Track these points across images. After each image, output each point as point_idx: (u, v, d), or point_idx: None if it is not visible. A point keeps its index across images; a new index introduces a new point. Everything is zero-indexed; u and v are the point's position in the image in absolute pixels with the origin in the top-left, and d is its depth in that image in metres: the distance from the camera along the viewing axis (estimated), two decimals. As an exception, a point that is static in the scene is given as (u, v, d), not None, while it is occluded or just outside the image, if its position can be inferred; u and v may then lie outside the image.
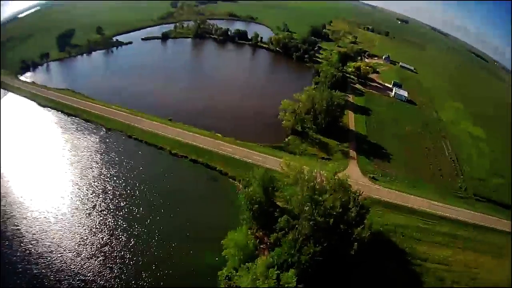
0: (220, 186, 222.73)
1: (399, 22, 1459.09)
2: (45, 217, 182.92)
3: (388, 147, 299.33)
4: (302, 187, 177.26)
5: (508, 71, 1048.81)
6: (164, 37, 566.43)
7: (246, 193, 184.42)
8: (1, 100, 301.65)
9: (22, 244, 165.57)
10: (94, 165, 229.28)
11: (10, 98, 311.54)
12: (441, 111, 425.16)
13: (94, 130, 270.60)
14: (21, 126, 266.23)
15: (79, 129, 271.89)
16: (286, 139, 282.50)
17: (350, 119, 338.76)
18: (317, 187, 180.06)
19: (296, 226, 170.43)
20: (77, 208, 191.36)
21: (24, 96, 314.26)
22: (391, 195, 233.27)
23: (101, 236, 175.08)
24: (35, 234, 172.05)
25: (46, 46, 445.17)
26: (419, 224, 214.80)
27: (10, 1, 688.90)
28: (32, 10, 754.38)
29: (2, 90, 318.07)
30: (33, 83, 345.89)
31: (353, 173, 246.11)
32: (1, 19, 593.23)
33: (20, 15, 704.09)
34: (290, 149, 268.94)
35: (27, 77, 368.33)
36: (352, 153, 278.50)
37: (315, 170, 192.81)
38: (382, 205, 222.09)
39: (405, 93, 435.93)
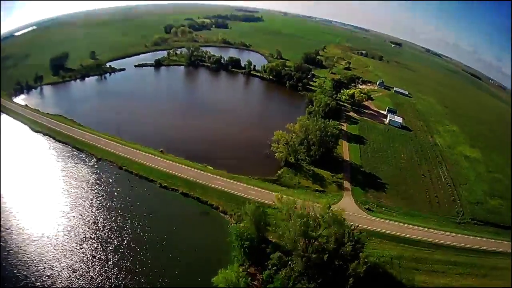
0: (211, 221, 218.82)
1: (393, 45, 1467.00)
2: (37, 247, 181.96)
3: (383, 176, 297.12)
4: (295, 223, 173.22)
5: (504, 89, 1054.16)
6: (157, 64, 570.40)
7: (237, 229, 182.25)
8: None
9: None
10: (84, 196, 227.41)
11: (4, 120, 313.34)
12: (437, 135, 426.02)
13: (85, 159, 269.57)
14: (14, 151, 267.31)
15: (70, 157, 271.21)
16: (279, 172, 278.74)
17: (344, 149, 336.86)
18: (311, 222, 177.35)
19: (289, 262, 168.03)
20: (68, 238, 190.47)
21: (18, 120, 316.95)
22: (387, 226, 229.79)
23: (92, 268, 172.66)
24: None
25: (40, 68, 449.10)
26: (416, 253, 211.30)
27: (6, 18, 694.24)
28: (29, 29, 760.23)
29: None
30: (26, 106, 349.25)
31: (348, 205, 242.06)
32: None
33: (17, 33, 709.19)
34: (284, 182, 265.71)
35: (21, 99, 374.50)
36: (347, 184, 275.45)
37: (309, 205, 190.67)
38: (378, 237, 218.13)
39: (400, 120, 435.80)
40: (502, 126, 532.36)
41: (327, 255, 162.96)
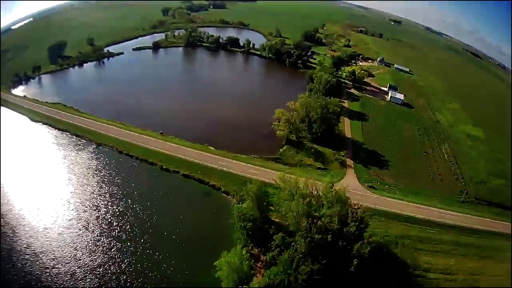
0: (213, 202, 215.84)
1: (392, 23, 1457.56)
2: (39, 235, 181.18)
3: (386, 153, 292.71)
4: (298, 203, 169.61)
5: (504, 68, 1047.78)
6: (155, 46, 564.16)
7: (239, 210, 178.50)
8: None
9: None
10: (85, 182, 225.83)
11: (3, 112, 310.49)
12: (439, 113, 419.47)
13: (85, 146, 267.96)
14: (14, 142, 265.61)
15: (70, 144, 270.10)
16: (281, 150, 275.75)
17: (346, 126, 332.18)
18: (314, 202, 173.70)
19: (293, 243, 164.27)
20: (70, 227, 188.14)
21: (16, 111, 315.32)
22: (390, 204, 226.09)
23: (95, 256, 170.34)
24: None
25: (38, 58, 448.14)
26: (420, 233, 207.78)
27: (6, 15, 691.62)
28: (26, 22, 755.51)
29: None
30: (24, 97, 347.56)
31: (351, 183, 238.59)
32: None
33: (14, 27, 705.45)
34: (285, 160, 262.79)
35: (19, 90, 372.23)
36: (349, 161, 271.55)
37: (311, 184, 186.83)
38: (381, 215, 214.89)
39: (401, 96, 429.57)
40: (503, 106, 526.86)
41: (331, 235, 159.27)
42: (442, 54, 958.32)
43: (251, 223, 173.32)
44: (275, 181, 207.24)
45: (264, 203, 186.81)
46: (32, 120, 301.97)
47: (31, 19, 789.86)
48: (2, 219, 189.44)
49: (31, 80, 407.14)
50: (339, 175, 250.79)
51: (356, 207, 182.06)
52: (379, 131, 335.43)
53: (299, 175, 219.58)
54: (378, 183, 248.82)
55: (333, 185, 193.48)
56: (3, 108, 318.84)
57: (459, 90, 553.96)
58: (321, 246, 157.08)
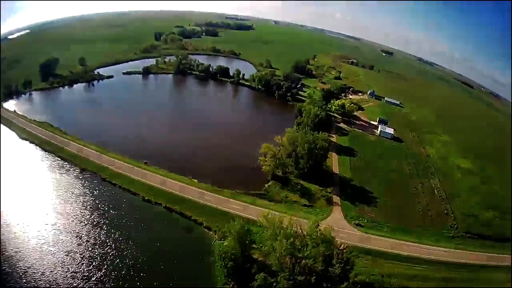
0: (194, 237, 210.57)
1: (384, 54, 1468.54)
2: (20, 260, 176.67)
3: (374, 189, 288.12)
4: (281, 243, 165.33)
5: (497, 96, 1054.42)
6: (145, 72, 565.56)
7: (220, 249, 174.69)
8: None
9: None
10: (66, 207, 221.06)
11: None
12: (429, 146, 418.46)
13: (69, 169, 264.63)
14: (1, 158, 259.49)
15: (54, 166, 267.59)
16: (266, 185, 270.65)
17: (334, 161, 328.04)
18: (297, 242, 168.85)
19: (274, 284, 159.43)
20: (50, 253, 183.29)
21: (6, 126, 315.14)
22: (378, 242, 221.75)
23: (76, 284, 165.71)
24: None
25: (30, 73, 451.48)
26: (407, 270, 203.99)
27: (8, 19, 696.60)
28: (23, 33, 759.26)
29: None
30: (14, 112, 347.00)
31: (337, 221, 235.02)
32: None
33: (10, 36, 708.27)
34: (271, 196, 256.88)
35: (10, 104, 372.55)
36: (336, 198, 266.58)
37: (296, 223, 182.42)
38: (368, 254, 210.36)
39: (391, 130, 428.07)
40: (495, 135, 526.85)
41: (315, 277, 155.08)
42: (433, 85, 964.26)
43: (232, 262, 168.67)
44: (258, 219, 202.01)
45: (247, 241, 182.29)
46: (19, 137, 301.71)
47: (28, 30, 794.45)
48: None
49: (22, 95, 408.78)
50: (325, 212, 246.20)
51: (341, 247, 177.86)
52: (368, 166, 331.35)
53: (284, 212, 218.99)
54: (366, 221, 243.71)
55: (319, 224, 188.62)
56: None
57: (451, 121, 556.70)
58: (304, 287, 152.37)
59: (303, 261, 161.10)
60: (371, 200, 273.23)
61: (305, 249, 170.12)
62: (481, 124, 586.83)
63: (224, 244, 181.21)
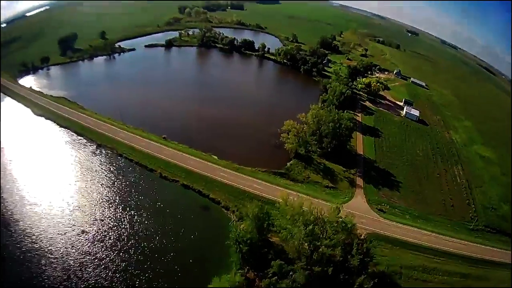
0: (211, 217, 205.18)
1: (409, 34, 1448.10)
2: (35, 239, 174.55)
3: (398, 173, 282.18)
4: (300, 230, 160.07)
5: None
6: (168, 44, 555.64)
7: (236, 233, 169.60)
8: (1, 105, 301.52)
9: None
10: (82, 185, 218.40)
11: (7, 103, 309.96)
12: (453, 131, 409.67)
13: (85, 145, 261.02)
14: (14, 135, 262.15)
15: (70, 142, 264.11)
16: (288, 164, 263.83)
17: (358, 142, 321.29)
18: (316, 230, 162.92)
19: (291, 273, 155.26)
20: (65, 233, 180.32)
21: (21, 103, 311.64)
22: (399, 230, 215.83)
23: (87, 267, 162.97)
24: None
25: (49, 48, 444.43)
26: (427, 263, 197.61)
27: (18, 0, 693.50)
28: (42, 9, 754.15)
29: (1, 94, 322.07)
30: (30, 88, 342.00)
31: (359, 205, 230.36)
32: (10, 16, 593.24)
33: (29, 13, 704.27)
34: (292, 176, 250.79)
35: (26, 80, 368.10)
36: (359, 180, 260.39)
37: (316, 209, 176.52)
38: (388, 242, 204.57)
39: (417, 113, 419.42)
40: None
41: (332, 268, 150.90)
42: (457, 69, 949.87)
43: (247, 247, 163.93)
44: (277, 202, 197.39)
45: (265, 225, 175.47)
46: (35, 113, 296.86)
47: (48, 7, 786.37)
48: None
49: (39, 70, 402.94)
50: (347, 195, 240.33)
51: (362, 236, 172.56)
52: (392, 149, 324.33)
53: (305, 194, 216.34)
54: (388, 206, 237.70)
55: (340, 210, 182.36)
56: (7, 99, 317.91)
57: (474, 107, 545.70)
58: (321, 278, 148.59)
59: (321, 248, 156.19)
60: (394, 184, 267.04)
61: (324, 237, 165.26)
62: (501, 113, 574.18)
63: (240, 228, 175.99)
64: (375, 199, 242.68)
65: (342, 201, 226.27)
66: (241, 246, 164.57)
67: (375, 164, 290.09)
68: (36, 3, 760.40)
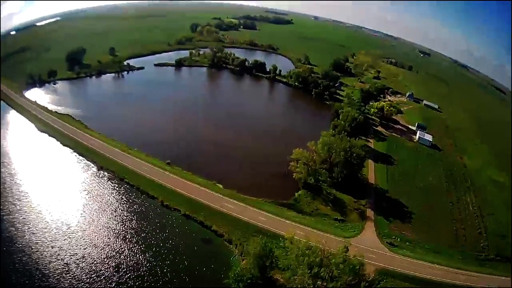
0: (213, 251, 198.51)
1: (421, 55, 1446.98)
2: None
3: (410, 203, 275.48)
4: (304, 272, 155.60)
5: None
6: (178, 64, 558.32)
7: (236, 273, 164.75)
8: (2, 118, 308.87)
9: None
10: (80, 208, 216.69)
11: (12, 116, 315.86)
12: (466, 155, 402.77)
13: (86, 167, 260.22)
14: (16, 151, 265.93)
15: (71, 162, 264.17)
16: (296, 194, 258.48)
17: (370, 170, 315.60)
18: (322, 273, 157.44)
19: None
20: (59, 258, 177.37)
21: (25, 117, 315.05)
22: (409, 265, 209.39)
23: None
24: None
25: (57, 61, 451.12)
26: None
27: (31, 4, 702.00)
28: (52, 20, 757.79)
29: (6, 105, 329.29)
30: (35, 102, 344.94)
31: (369, 239, 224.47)
32: (19, 23, 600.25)
33: (39, 23, 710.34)
34: (300, 207, 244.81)
35: (32, 93, 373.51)
36: (369, 212, 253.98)
37: (322, 250, 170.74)
38: (398, 278, 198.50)
39: (430, 138, 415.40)
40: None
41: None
42: (470, 90, 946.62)
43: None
44: (282, 239, 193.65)
45: (267, 263, 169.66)
46: (39, 129, 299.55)
47: (59, 18, 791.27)
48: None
49: (46, 84, 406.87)
50: (357, 228, 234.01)
51: (370, 278, 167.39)
52: (405, 177, 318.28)
53: (313, 227, 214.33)
54: (399, 239, 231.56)
55: (348, 249, 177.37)
56: (12, 111, 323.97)
57: (488, 130, 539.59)
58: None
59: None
60: (406, 215, 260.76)
61: (329, 278, 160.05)
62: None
63: (242, 263, 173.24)
64: (386, 232, 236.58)
65: (352, 235, 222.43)
66: (240, 285, 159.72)
67: (387, 194, 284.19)
68: (47, 14, 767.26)
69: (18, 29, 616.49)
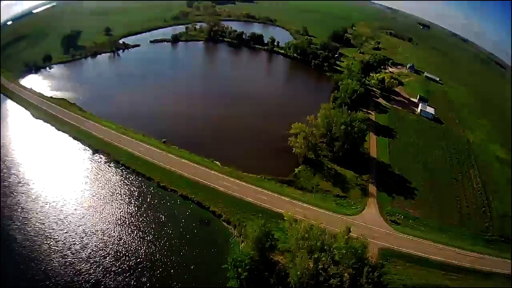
0: (211, 233, 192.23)
1: (421, 27, 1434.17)
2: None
3: (413, 178, 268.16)
4: (304, 258, 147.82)
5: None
6: (174, 39, 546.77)
7: (234, 257, 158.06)
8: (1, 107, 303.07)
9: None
10: (74, 191, 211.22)
11: (7, 105, 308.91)
12: (469, 130, 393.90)
13: (81, 151, 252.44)
14: (12, 139, 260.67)
15: (66, 147, 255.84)
16: (296, 170, 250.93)
17: (372, 143, 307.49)
18: (323, 258, 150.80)
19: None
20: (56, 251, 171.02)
21: (20, 105, 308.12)
22: (413, 245, 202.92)
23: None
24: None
25: (53, 47, 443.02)
26: (441, 279, 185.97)
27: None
28: (48, 6, 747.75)
29: (2, 95, 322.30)
30: (31, 89, 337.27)
31: (372, 216, 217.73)
32: (16, 13, 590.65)
33: (35, 11, 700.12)
34: (300, 184, 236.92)
35: (28, 80, 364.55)
36: (372, 188, 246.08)
37: (323, 233, 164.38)
38: (402, 258, 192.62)
39: (432, 110, 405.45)
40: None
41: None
42: (469, 63, 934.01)
43: (246, 273, 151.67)
44: (281, 221, 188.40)
45: (267, 245, 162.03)
46: (34, 116, 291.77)
47: (54, 3, 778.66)
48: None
49: (42, 70, 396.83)
50: (359, 205, 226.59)
51: (373, 262, 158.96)
52: (407, 151, 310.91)
53: (314, 205, 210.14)
54: (402, 217, 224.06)
55: (350, 231, 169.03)
56: (8, 101, 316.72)
57: (491, 105, 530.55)
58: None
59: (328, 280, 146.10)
60: (409, 191, 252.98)
61: (331, 264, 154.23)
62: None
63: (241, 245, 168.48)
64: (389, 210, 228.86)
65: (353, 212, 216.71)
66: (239, 270, 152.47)
67: (389, 169, 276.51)
68: (40, 2, 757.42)
69: (14, 19, 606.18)
